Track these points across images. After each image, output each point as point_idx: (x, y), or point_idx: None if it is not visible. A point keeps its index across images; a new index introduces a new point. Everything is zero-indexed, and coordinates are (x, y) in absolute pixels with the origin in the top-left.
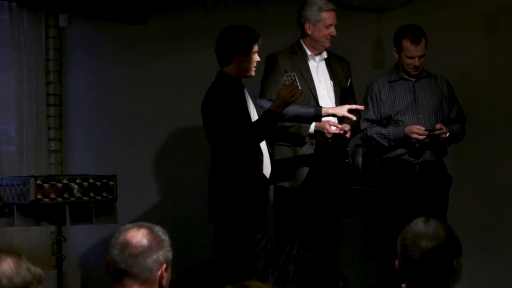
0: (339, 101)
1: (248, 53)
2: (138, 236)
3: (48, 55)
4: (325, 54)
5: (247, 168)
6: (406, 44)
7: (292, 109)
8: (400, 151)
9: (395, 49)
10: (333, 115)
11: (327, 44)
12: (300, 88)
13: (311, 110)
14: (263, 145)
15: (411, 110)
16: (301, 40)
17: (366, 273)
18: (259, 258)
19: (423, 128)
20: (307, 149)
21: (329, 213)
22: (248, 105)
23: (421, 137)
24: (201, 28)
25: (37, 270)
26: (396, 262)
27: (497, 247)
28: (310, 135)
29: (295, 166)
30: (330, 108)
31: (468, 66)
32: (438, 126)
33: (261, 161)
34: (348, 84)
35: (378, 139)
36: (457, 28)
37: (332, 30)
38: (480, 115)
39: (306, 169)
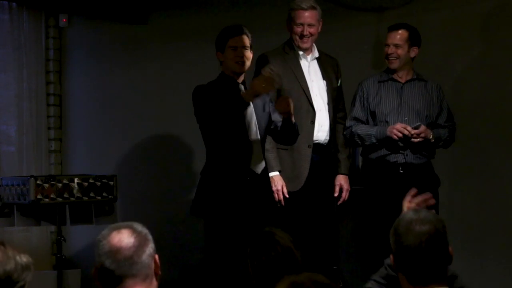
0: (331, 100)
1: (223, 49)
2: (124, 238)
3: (48, 55)
4: (316, 53)
5: (231, 162)
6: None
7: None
8: (384, 152)
9: None
10: None
11: (301, 43)
12: (276, 82)
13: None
14: (255, 138)
15: (396, 111)
16: (291, 40)
17: (365, 273)
18: None
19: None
20: (305, 152)
21: (326, 214)
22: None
23: (399, 134)
24: (201, 28)
25: (23, 258)
26: (391, 257)
27: (497, 249)
28: None
29: (294, 170)
30: None
31: (468, 66)
32: (422, 128)
33: (249, 156)
34: (338, 84)
35: (362, 136)
36: (458, 29)
37: (302, 29)
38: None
39: (305, 173)
